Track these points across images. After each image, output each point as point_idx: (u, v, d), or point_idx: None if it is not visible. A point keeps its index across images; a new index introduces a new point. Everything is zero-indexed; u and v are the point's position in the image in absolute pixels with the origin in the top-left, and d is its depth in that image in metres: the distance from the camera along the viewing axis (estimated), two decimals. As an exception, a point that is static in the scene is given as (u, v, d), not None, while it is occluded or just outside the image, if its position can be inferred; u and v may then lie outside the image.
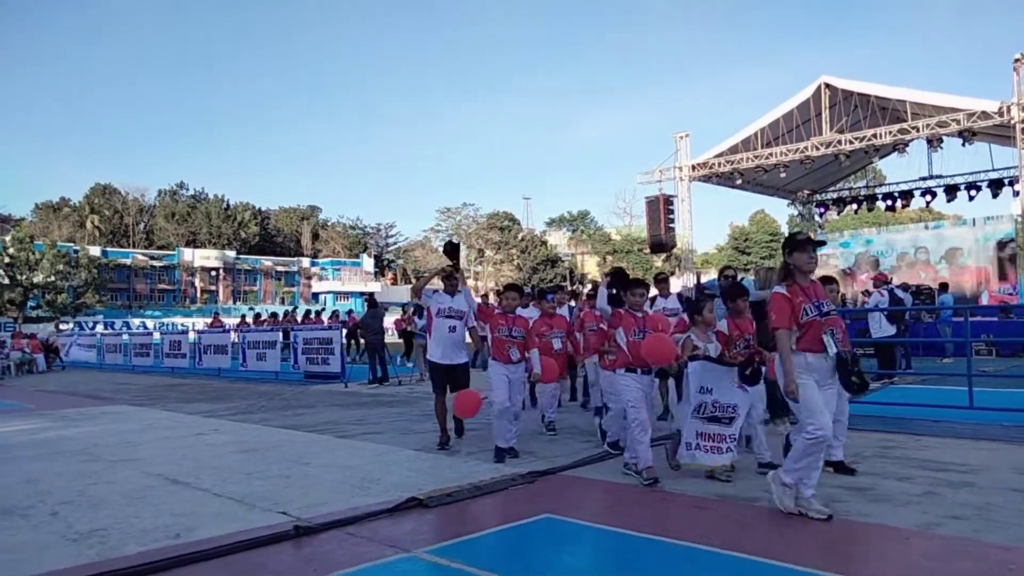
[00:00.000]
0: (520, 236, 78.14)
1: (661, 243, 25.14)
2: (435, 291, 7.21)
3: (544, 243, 79.69)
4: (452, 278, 7.09)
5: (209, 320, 28.36)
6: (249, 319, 24.19)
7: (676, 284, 23.81)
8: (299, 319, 22.57)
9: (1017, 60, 18.31)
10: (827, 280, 6.56)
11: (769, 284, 7.18)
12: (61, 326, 43.14)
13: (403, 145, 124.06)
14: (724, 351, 5.47)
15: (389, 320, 24.27)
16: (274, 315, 24.51)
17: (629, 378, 5.55)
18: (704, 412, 5.45)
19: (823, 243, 4.96)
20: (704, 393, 5.46)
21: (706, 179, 25.63)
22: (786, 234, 4.84)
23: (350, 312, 30.24)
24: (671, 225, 24.99)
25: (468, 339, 7.24)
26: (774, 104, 23.69)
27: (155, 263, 69.72)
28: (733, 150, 24.26)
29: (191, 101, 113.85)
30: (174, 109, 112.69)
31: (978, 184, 24.33)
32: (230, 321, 28.08)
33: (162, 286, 70.19)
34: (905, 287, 16.47)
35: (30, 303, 51.29)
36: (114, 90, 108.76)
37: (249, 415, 10.38)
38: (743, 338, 5.51)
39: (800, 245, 4.57)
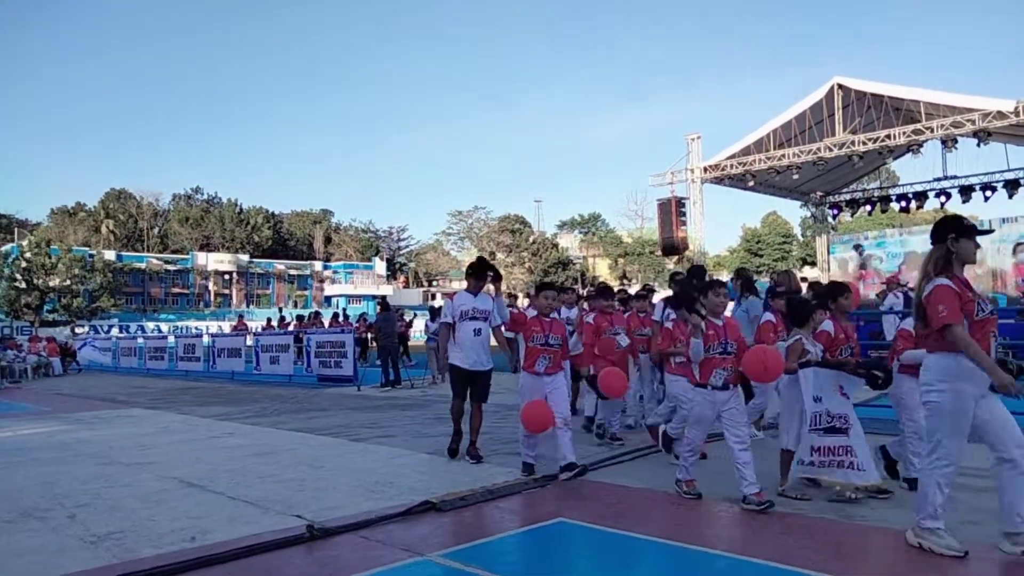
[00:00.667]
0: (531, 239, 78.20)
1: (673, 245, 25.09)
2: (454, 294, 6.71)
3: (555, 246, 79.70)
4: (482, 277, 6.52)
5: (231, 323, 28.39)
6: (275, 322, 24.28)
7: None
8: (326, 323, 22.50)
9: (1033, 59, 18.14)
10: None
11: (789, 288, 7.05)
12: (77, 330, 43.56)
13: (415, 149, 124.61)
14: (828, 355, 5.04)
15: (419, 324, 24.23)
16: (300, 318, 24.53)
17: (697, 393, 4.99)
18: (820, 424, 4.93)
19: (991, 231, 4.43)
20: (817, 403, 4.95)
21: (718, 181, 25.55)
22: (947, 217, 3.86)
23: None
24: (683, 227, 24.94)
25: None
26: (787, 105, 23.61)
27: (169, 267, 70.21)
28: (745, 152, 24.18)
29: (205, 106, 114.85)
30: (188, 114, 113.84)
31: (993, 185, 24.11)
32: (255, 324, 28.19)
33: (176, 290, 70.68)
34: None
35: (46, 307, 51.76)
36: (129, 95, 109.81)
37: (263, 418, 10.42)
38: (848, 344, 5.08)
39: (968, 231, 3.84)
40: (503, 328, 6.62)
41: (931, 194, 25.69)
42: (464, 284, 6.80)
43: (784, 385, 5.24)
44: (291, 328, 21.34)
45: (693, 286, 5.11)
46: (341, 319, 23.03)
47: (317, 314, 26.39)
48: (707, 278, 6.59)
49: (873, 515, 4.50)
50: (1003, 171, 23.86)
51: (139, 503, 5.30)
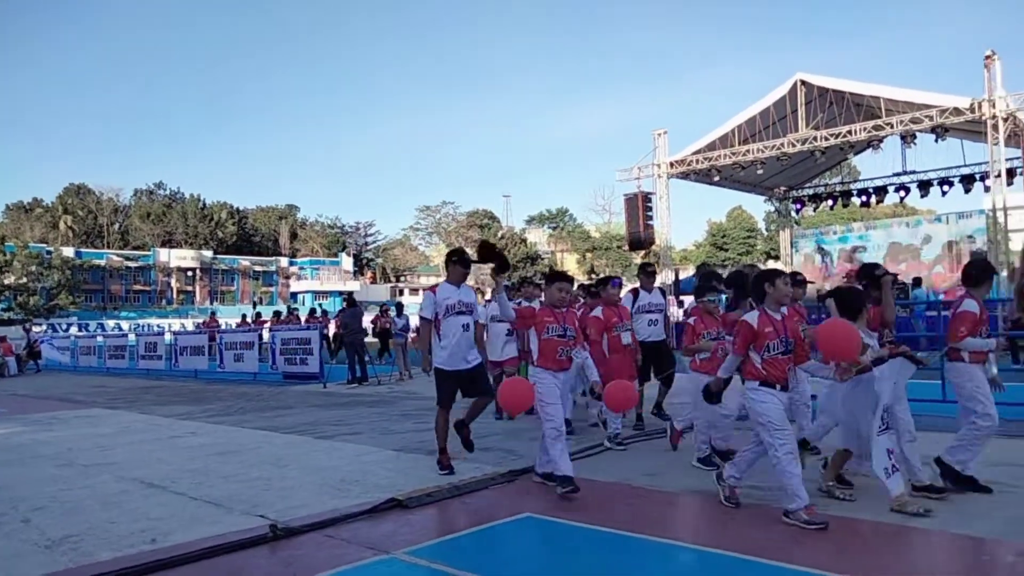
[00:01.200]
0: (500, 234, 78.15)
1: (639, 240, 25.24)
2: (434, 287, 6.00)
3: (524, 241, 79.77)
4: (466, 264, 5.89)
5: (194, 320, 27.84)
6: (250, 319, 23.90)
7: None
8: (303, 319, 22.13)
9: (988, 57, 18.57)
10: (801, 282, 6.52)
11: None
12: (35, 328, 42.48)
13: (382, 144, 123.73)
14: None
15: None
16: (277, 314, 24.12)
17: (766, 393, 4.35)
18: (884, 424, 4.45)
19: None
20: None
21: (684, 176, 25.76)
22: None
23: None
24: (649, 222, 25.12)
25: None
26: (751, 101, 23.86)
27: (130, 264, 68.80)
28: (711, 147, 24.40)
29: (167, 102, 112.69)
30: (150, 109, 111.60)
31: (950, 180, 24.69)
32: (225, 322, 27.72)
33: (137, 287, 69.32)
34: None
35: (1, 305, 50.46)
36: (90, 90, 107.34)
37: (226, 417, 10.27)
38: (881, 332, 4.82)
39: None
40: (510, 326, 6.19)
41: (891, 189, 26.22)
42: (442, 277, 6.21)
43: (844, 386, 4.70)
44: (268, 325, 20.98)
45: (760, 277, 4.59)
46: (319, 314, 22.76)
47: (293, 311, 26.04)
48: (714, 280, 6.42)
49: (838, 505, 4.56)
50: (959, 166, 24.44)
51: (98, 505, 5.19)
